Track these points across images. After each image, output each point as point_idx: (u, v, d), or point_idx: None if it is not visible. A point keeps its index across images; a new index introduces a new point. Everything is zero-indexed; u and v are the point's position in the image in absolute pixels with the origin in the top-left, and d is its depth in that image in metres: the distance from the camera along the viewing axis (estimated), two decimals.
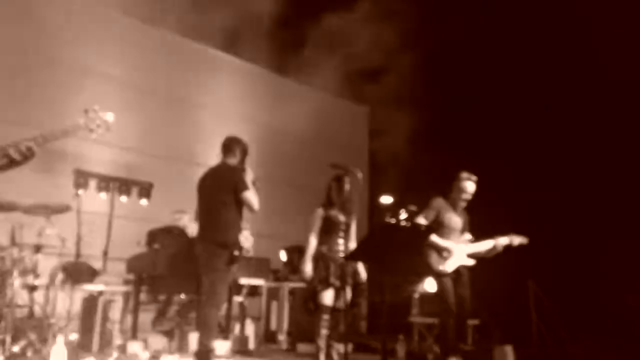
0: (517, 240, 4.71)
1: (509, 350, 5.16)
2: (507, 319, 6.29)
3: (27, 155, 2.44)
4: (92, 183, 6.49)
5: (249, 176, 4.35)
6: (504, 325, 6.27)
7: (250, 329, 5.84)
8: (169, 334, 5.25)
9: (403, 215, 3.58)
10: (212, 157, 4.72)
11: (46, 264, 5.09)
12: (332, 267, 4.37)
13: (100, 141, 6.27)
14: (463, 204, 4.76)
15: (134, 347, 4.80)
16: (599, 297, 6.43)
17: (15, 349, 4.25)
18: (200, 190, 4.43)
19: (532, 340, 6.42)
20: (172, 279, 5.26)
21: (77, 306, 4.93)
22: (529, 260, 5.91)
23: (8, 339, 4.18)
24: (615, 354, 5.57)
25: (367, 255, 3.28)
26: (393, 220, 3.44)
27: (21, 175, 2.66)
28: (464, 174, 4.75)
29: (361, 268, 4.51)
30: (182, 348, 5.07)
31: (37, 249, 4.86)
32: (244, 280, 5.79)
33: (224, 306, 4.96)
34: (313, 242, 4.48)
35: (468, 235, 4.72)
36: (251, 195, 4.25)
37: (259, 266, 6.14)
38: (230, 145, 4.48)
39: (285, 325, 6.43)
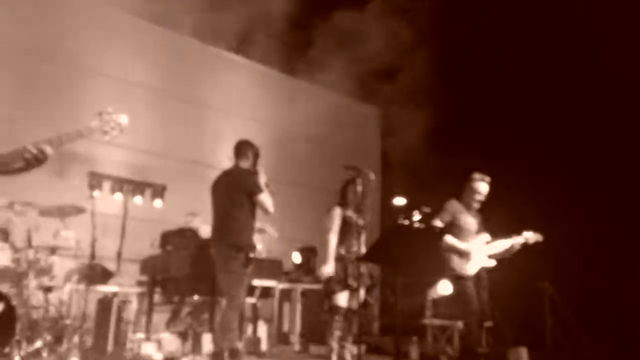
0: (533, 238, 4.69)
1: (523, 352, 5.11)
2: (521, 321, 6.23)
3: (43, 158, 2.45)
4: (106, 185, 6.55)
5: (262, 179, 4.39)
6: (518, 327, 6.21)
7: (262, 330, 5.86)
8: (182, 335, 5.27)
9: (416, 217, 3.56)
10: (225, 159, 4.75)
11: (61, 265, 5.14)
12: (350, 268, 4.38)
13: (114, 143, 6.32)
14: (477, 205, 4.73)
15: (148, 348, 4.82)
16: (617, 298, 6.34)
17: (31, 349, 4.29)
18: (214, 193, 4.46)
19: (547, 342, 6.35)
20: (185, 280, 5.29)
21: (91, 307, 4.97)
22: (544, 261, 5.85)
23: (24, 339, 4.23)
24: (634, 359, 5.49)
25: (381, 256, 3.27)
26: (406, 222, 3.42)
27: (36, 177, 2.68)
28: (477, 175, 4.73)
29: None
30: (195, 349, 5.08)
31: (53, 250, 4.91)
32: (256, 282, 5.81)
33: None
34: (334, 242, 4.48)
35: (485, 236, 4.68)
36: (266, 198, 4.30)
37: (272, 268, 6.16)
38: (242, 148, 4.53)
39: (297, 326, 6.43)
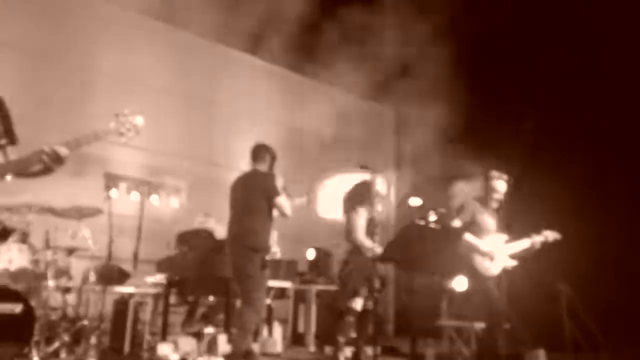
0: (552, 236, 4.65)
1: (541, 354, 5.05)
2: (539, 323, 6.15)
3: (59, 160, 2.47)
4: (122, 186, 6.59)
5: (279, 182, 4.41)
6: (536, 329, 6.13)
7: (277, 331, 5.86)
8: (198, 335, 5.29)
9: (432, 217, 3.55)
10: (240, 160, 4.78)
11: (79, 266, 5.19)
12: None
13: (129, 144, 6.38)
14: (495, 204, 4.68)
15: (164, 348, 4.85)
16: (638, 300, 6.24)
17: (50, 349, 4.34)
18: (232, 196, 4.49)
19: (566, 345, 6.26)
20: (200, 281, 5.31)
21: (108, 308, 5.01)
22: (562, 261, 5.78)
23: (42, 340, 4.28)
24: None
25: (397, 256, 3.25)
26: (422, 222, 3.40)
27: (54, 178, 2.70)
28: (495, 173, 4.68)
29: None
30: (211, 350, 5.10)
31: (70, 251, 4.97)
32: (271, 283, 5.81)
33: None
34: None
35: (504, 236, 4.63)
36: (283, 201, 4.33)
37: (286, 268, 6.16)
38: (259, 152, 4.56)
39: (312, 327, 6.42)
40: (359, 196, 4.65)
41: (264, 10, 7.67)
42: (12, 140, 2.57)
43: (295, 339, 6.54)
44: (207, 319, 5.66)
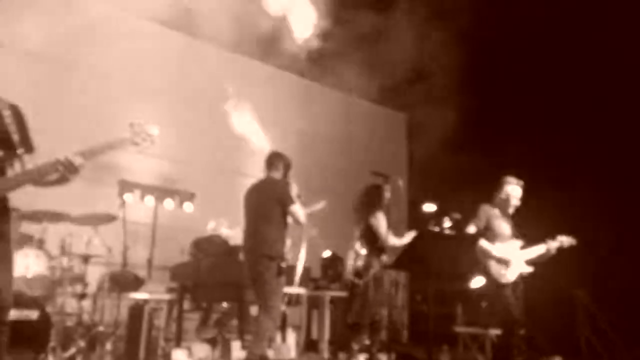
0: (567, 241, 4.59)
1: None
2: (555, 329, 6.08)
3: (74, 169, 2.49)
4: (137, 193, 6.64)
5: (294, 190, 4.42)
6: (552, 336, 6.06)
7: (291, 338, 5.85)
8: (212, 341, 5.30)
9: (447, 223, 3.52)
10: (253, 167, 4.80)
11: (94, 272, 5.24)
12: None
13: (144, 152, 6.43)
14: (511, 210, 4.64)
15: (179, 354, 4.86)
16: None
17: (66, 355, 4.38)
18: (247, 203, 4.50)
19: (582, 352, 6.18)
20: (213, 287, 5.32)
21: (123, 314, 5.04)
22: (578, 268, 5.71)
23: (59, 346, 4.32)
24: None
25: (412, 263, 3.23)
26: (437, 229, 3.38)
27: (69, 186, 2.73)
28: (511, 179, 4.65)
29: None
30: (224, 356, 5.11)
31: (86, 258, 5.01)
32: (286, 289, 5.80)
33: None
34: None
35: (518, 242, 4.59)
36: (298, 209, 4.34)
37: (300, 275, 6.14)
38: (273, 160, 4.57)
39: (326, 334, 6.40)
40: (373, 201, 4.66)
41: (273, 15, 7.69)
42: (28, 148, 2.60)
43: (309, 345, 6.53)
44: (220, 325, 5.67)
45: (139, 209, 6.56)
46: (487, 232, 4.48)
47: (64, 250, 4.89)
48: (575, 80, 6.98)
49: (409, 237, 4.39)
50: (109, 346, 4.75)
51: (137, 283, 5.36)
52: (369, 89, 9.09)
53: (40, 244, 4.82)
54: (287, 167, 4.59)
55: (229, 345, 5.08)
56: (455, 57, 7.72)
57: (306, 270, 6.35)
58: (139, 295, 5.13)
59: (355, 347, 4.43)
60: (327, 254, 6.99)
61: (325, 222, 7.71)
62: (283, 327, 5.88)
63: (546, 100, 7.28)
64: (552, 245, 4.57)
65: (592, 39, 6.74)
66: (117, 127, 2.84)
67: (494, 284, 4.43)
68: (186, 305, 5.53)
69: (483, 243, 4.38)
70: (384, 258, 4.56)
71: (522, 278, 4.51)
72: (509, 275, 4.41)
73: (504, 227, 4.56)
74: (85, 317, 5.03)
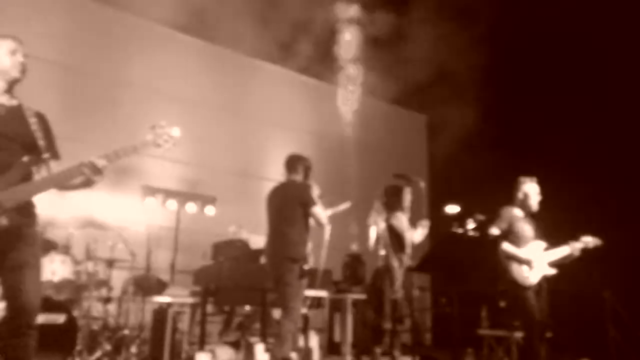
0: (592, 242, 4.49)
1: None
2: (582, 332, 5.96)
3: (98, 173, 2.52)
4: (159, 198, 6.71)
5: (315, 192, 4.42)
6: (579, 338, 5.95)
7: (314, 340, 5.83)
8: (235, 345, 5.32)
9: (471, 225, 3.47)
10: (274, 171, 4.81)
11: (119, 276, 5.30)
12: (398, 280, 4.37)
13: (166, 157, 6.50)
14: (535, 208, 4.56)
15: (202, 358, 4.88)
16: None
17: (92, 358, 4.44)
18: (269, 206, 4.51)
19: (610, 354, 6.05)
20: (236, 290, 5.34)
21: (148, 317, 5.09)
22: (605, 269, 5.60)
23: (85, 349, 4.38)
24: None
25: (435, 266, 3.20)
26: (460, 231, 3.34)
27: (93, 191, 2.76)
28: (524, 178, 4.58)
29: None
30: (248, 358, 5.11)
31: (110, 263, 5.08)
32: (307, 292, 5.80)
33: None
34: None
35: (542, 243, 4.50)
36: (320, 211, 4.33)
37: (322, 277, 6.13)
38: (292, 163, 4.56)
39: (349, 337, 6.38)
40: (393, 202, 4.63)
41: (293, 19, 7.73)
42: (54, 155, 2.64)
43: (332, 348, 6.50)
44: (243, 328, 5.69)
45: (162, 213, 6.62)
46: (510, 234, 4.41)
47: (89, 255, 4.96)
48: (599, 78, 6.87)
49: (423, 227, 4.39)
50: (134, 349, 4.80)
51: (160, 287, 5.41)
52: (388, 91, 9.07)
53: (66, 249, 4.90)
54: (308, 169, 4.58)
55: (252, 348, 5.09)
56: (475, 57, 7.66)
57: (328, 272, 6.33)
58: (163, 299, 5.17)
59: (378, 350, 4.40)
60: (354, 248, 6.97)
61: (347, 224, 7.72)
62: (305, 330, 5.87)
63: (568, 99, 7.17)
64: (576, 246, 4.47)
65: (617, 36, 6.62)
66: (140, 133, 2.87)
67: (516, 286, 4.36)
68: (209, 308, 5.55)
69: (506, 245, 4.32)
70: (405, 259, 4.51)
71: (546, 280, 4.43)
72: (532, 277, 4.33)
73: (526, 229, 4.48)
74: (111, 321, 5.09)
